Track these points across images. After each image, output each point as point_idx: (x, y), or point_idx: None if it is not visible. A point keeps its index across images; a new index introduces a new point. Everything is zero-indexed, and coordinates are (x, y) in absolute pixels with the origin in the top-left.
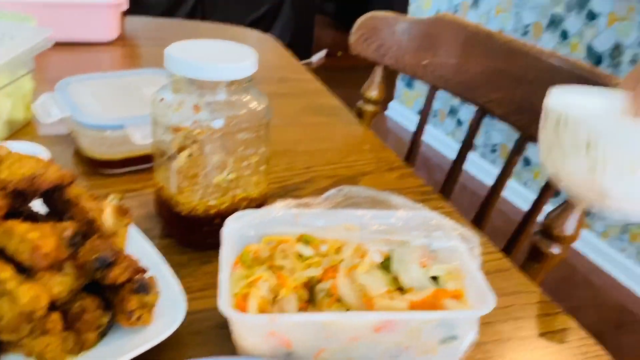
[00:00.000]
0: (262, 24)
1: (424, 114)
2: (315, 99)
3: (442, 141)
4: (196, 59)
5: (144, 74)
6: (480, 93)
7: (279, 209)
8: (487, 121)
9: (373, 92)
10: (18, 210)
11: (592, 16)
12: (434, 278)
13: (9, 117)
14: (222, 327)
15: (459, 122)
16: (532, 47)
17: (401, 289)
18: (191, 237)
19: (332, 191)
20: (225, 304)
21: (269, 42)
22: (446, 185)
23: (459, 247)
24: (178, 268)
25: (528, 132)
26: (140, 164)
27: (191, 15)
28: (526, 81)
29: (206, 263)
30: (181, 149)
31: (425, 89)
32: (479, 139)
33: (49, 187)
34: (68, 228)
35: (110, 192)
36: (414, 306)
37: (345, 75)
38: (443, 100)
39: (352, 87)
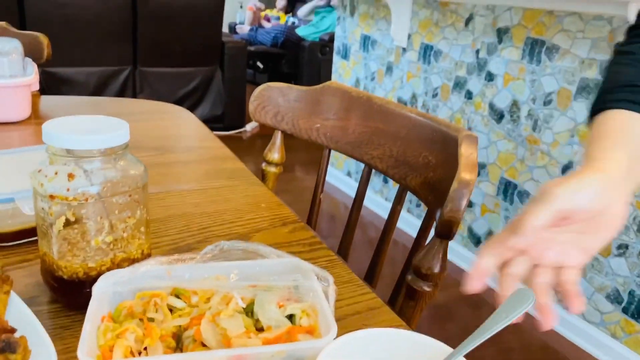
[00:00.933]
0: (193, 97)
1: (322, 178)
2: (220, 164)
3: (371, 199)
4: (71, 132)
5: (34, 150)
6: (364, 151)
7: (150, 264)
8: None
9: (275, 154)
10: None
11: (490, 77)
12: (291, 316)
13: None
14: None
15: (385, 180)
16: (402, 107)
17: (262, 330)
18: (75, 300)
19: (209, 247)
20: (84, 352)
21: (184, 114)
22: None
23: (314, 286)
24: (61, 330)
25: (405, 183)
26: (33, 236)
27: (122, 91)
28: (400, 137)
29: None
30: (59, 215)
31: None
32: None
33: None
34: None
35: (8, 263)
36: (267, 342)
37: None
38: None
39: (287, 150)
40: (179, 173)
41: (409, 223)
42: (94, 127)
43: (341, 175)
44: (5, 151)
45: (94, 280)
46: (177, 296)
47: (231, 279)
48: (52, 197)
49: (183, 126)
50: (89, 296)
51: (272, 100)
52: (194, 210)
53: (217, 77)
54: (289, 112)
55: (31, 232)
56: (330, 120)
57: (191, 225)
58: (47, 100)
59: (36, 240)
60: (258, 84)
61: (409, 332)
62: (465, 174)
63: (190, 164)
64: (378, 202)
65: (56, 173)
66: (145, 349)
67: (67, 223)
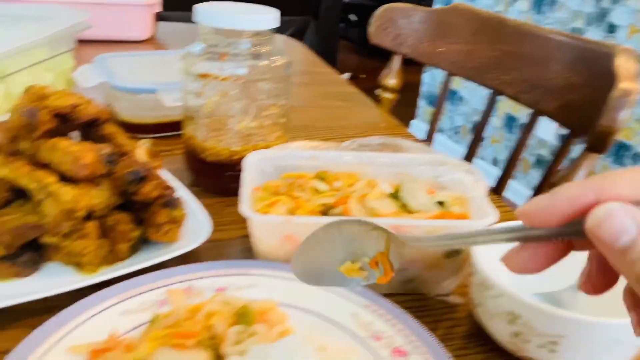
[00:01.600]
0: None
1: (441, 99)
2: (334, 88)
3: (452, 149)
4: (224, 10)
5: (176, 53)
6: (492, 76)
7: (296, 147)
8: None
9: (391, 80)
10: (62, 136)
11: (612, 29)
12: (440, 203)
13: None
14: (247, 251)
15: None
16: (541, 28)
17: (409, 213)
18: (216, 183)
19: (346, 143)
20: (246, 206)
21: (296, 44)
22: None
23: (464, 179)
24: (205, 207)
25: (537, 108)
26: (171, 131)
27: None
28: (535, 60)
29: (230, 205)
30: (208, 97)
31: (449, 107)
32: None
33: (88, 120)
34: (106, 147)
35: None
36: None
37: (368, 95)
38: (465, 115)
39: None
40: (296, 92)
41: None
42: (244, 9)
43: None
44: (145, 53)
45: (235, 164)
46: (321, 179)
47: (382, 165)
48: (203, 75)
49: (292, 53)
50: (229, 180)
51: (394, 22)
52: (315, 124)
53: (310, 28)
54: (410, 35)
55: (170, 126)
56: (456, 44)
57: (314, 137)
58: (163, 26)
59: (174, 135)
60: (349, 38)
61: None
62: (624, 83)
63: (305, 85)
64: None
65: (209, 53)
66: None
67: (215, 105)
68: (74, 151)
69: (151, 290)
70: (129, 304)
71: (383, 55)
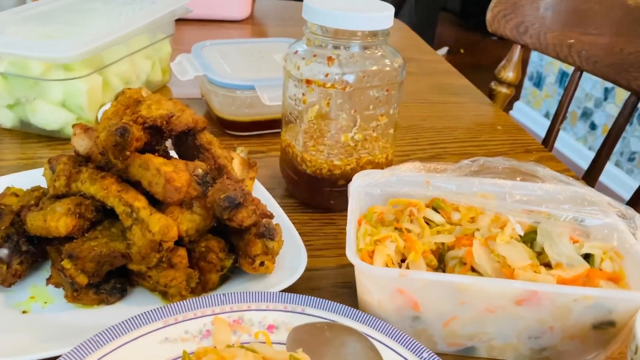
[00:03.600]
0: None
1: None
2: (443, 79)
3: (571, 146)
4: (334, 8)
5: (275, 42)
6: (636, 75)
7: (407, 169)
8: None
9: (509, 72)
10: (154, 147)
11: None
12: (587, 256)
13: (147, 78)
14: (342, 286)
15: (593, 126)
16: None
17: (547, 266)
18: (314, 197)
19: (465, 161)
20: (353, 253)
21: (397, 25)
22: None
23: (618, 225)
24: (299, 226)
25: None
26: (266, 129)
27: None
28: None
29: (327, 224)
30: (311, 104)
31: (556, 89)
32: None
33: (182, 130)
34: (199, 166)
35: (248, 149)
36: (563, 283)
37: (467, 73)
38: (576, 100)
39: (476, 85)
40: None
41: (617, 179)
42: (357, 6)
43: (537, 116)
44: (243, 41)
45: (336, 179)
46: (435, 209)
47: (513, 200)
48: (308, 82)
49: (398, 36)
50: (328, 195)
51: (518, 8)
52: (421, 123)
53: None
54: (535, 23)
55: (266, 124)
56: (591, 35)
57: (420, 139)
58: (261, 2)
59: (270, 134)
60: (448, 9)
61: None
62: None
63: (411, 75)
64: (578, 150)
65: (314, 55)
66: (403, 261)
67: (319, 113)
68: (165, 172)
69: (199, 317)
70: (172, 330)
71: (485, 30)
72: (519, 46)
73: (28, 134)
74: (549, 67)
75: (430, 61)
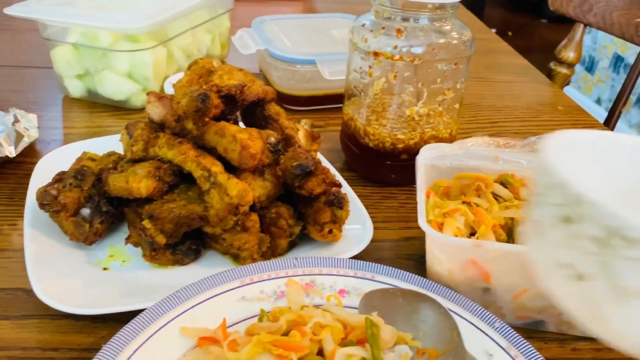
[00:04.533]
0: None
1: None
2: (501, 58)
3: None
4: None
5: (334, 17)
6: None
7: (476, 144)
8: None
9: (570, 53)
10: (226, 117)
11: None
12: None
13: (207, 52)
14: (406, 258)
15: None
16: None
17: None
18: (375, 171)
19: (532, 138)
20: (424, 222)
21: None
22: None
23: None
24: (360, 199)
25: None
26: (324, 104)
27: None
28: None
29: (388, 198)
30: (378, 77)
31: (610, 74)
32: None
33: (253, 100)
34: (272, 135)
35: (310, 122)
36: None
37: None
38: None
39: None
40: None
41: None
42: None
43: (588, 102)
44: (299, 15)
45: (398, 153)
46: (504, 184)
47: None
48: (376, 54)
49: None
50: (389, 169)
51: None
52: (479, 101)
53: None
54: (601, 1)
55: (323, 99)
56: None
57: (479, 117)
58: None
59: (327, 109)
60: None
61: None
62: None
63: None
64: None
65: (383, 28)
66: (472, 234)
67: (385, 86)
68: (242, 139)
69: (273, 279)
70: (249, 290)
71: (533, 11)
72: (582, 25)
73: (95, 104)
74: (602, 50)
75: (487, 40)
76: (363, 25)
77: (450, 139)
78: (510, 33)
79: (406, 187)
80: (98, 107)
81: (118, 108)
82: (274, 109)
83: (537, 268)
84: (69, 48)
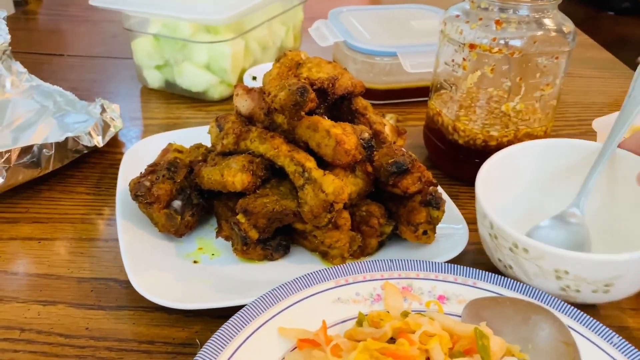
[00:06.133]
0: None
1: None
2: (584, 52)
3: None
4: None
5: (412, 9)
6: None
7: None
8: None
9: None
10: (314, 110)
11: None
12: None
13: (281, 44)
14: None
15: None
16: None
17: None
18: (462, 169)
19: None
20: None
21: None
22: None
23: None
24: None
25: None
26: (403, 97)
27: None
28: None
29: None
30: (472, 70)
31: None
32: None
33: (343, 93)
34: (365, 130)
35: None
36: None
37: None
38: None
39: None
40: None
41: None
42: None
43: None
44: (376, 7)
45: (489, 151)
46: None
47: None
48: (472, 46)
49: None
50: (477, 167)
51: None
52: (565, 98)
53: None
54: None
55: (402, 93)
56: None
57: (566, 114)
58: None
59: (405, 103)
60: None
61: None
62: None
63: None
64: None
65: (480, 19)
66: None
67: (479, 80)
68: (336, 134)
69: (368, 281)
70: (344, 291)
71: (598, 4)
72: None
73: (172, 95)
74: None
75: None
76: (457, 16)
77: (545, 137)
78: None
79: None
80: (176, 98)
81: (195, 100)
82: (361, 103)
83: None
84: (149, 39)
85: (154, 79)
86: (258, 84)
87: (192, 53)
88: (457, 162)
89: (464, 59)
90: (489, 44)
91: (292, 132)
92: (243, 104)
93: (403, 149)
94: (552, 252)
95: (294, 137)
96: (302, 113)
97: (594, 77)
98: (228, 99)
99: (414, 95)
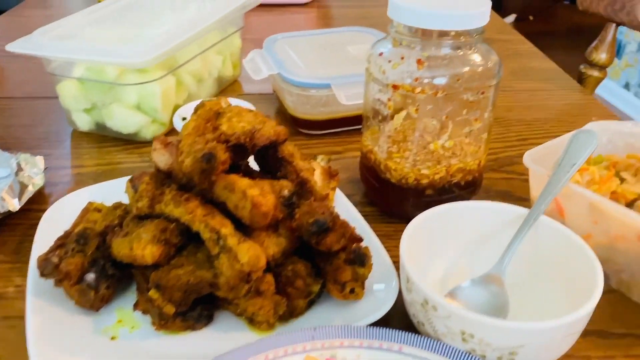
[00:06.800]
0: None
1: None
2: (527, 62)
3: None
4: (423, 6)
5: (348, 32)
6: None
7: None
8: None
9: (602, 54)
10: (237, 164)
11: None
12: None
13: (219, 74)
14: None
15: None
16: None
17: None
18: (398, 207)
19: None
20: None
21: None
22: None
23: None
24: (382, 240)
25: None
26: (342, 126)
27: None
28: None
29: None
30: (398, 110)
31: (638, 58)
32: None
33: (265, 144)
34: (285, 187)
35: (314, 153)
36: None
37: (538, 41)
38: None
39: (548, 54)
40: None
41: None
42: (448, 2)
43: (615, 87)
44: (312, 32)
45: (423, 189)
46: None
47: None
48: (395, 86)
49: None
50: (414, 206)
51: None
52: (507, 115)
53: None
54: None
55: (341, 122)
56: None
57: (508, 134)
58: None
59: (347, 131)
60: None
61: (485, 202)
62: None
63: None
64: None
65: (402, 58)
66: None
67: (406, 119)
68: (252, 197)
69: (290, 355)
70: None
71: None
72: (613, 25)
73: (104, 137)
74: (630, 34)
75: (511, 41)
76: (380, 54)
77: (479, 170)
78: (531, 17)
79: None
80: (108, 140)
81: (128, 141)
82: (287, 150)
83: None
84: (74, 82)
85: (84, 122)
86: None
87: (121, 94)
88: (394, 200)
89: (388, 99)
90: (412, 84)
91: (210, 190)
92: (161, 159)
93: (325, 203)
94: (457, 313)
95: (212, 197)
96: (213, 178)
97: (537, 90)
98: None
99: (353, 124)
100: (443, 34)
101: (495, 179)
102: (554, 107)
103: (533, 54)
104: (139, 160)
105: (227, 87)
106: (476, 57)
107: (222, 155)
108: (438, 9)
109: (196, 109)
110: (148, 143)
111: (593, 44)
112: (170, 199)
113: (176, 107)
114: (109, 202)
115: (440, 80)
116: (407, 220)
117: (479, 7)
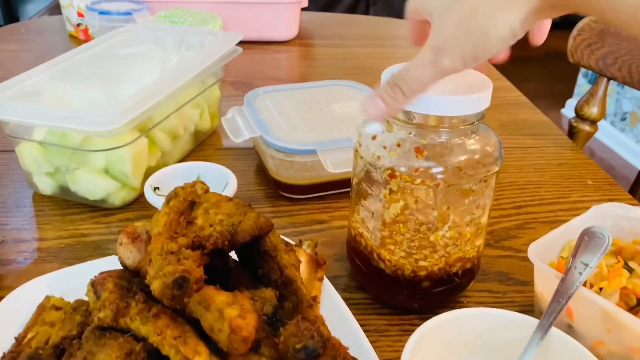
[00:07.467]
0: None
1: None
2: (516, 113)
3: (630, 149)
4: None
5: (333, 86)
6: None
7: None
8: None
9: (593, 108)
10: (215, 266)
11: None
12: None
13: (195, 129)
14: None
15: None
16: None
17: None
18: (392, 298)
19: None
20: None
21: None
22: None
23: None
24: (375, 337)
25: None
26: (327, 190)
27: (353, 7)
28: None
29: (409, 332)
30: (393, 199)
31: (615, 87)
32: None
33: (247, 239)
34: (268, 302)
35: (297, 221)
36: None
37: (514, 69)
38: (635, 100)
39: (525, 83)
40: None
41: None
42: (447, 86)
43: (627, 140)
44: (294, 85)
45: (420, 280)
46: None
47: None
48: (392, 175)
49: None
50: (409, 297)
51: (605, 37)
52: (500, 177)
53: None
54: (626, 54)
55: (325, 186)
56: None
57: (501, 201)
58: (306, 17)
59: (332, 195)
60: None
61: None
62: None
63: None
64: (636, 151)
65: (399, 145)
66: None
67: (402, 210)
68: (230, 319)
69: None
70: None
71: None
72: (605, 79)
73: (68, 203)
74: None
75: (498, 89)
76: (374, 138)
77: (477, 256)
78: None
79: (432, 313)
80: (72, 206)
81: (95, 208)
82: (270, 242)
83: None
84: (36, 145)
85: (46, 186)
86: (162, 198)
87: (87, 159)
88: (387, 290)
89: (383, 187)
90: (411, 174)
91: (182, 307)
92: (128, 255)
93: (316, 316)
94: None
95: (185, 311)
96: (186, 300)
97: (529, 147)
98: (132, 204)
99: (340, 187)
100: (442, 119)
101: (493, 258)
102: (546, 168)
103: (522, 104)
104: (106, 231)
105: (205, 140)
106: (477, 143)
107: (197, 273)
108: (438, 94)
109: (168, 199)
110: (117, 210)
111: (583, 98)
112: (136, 314)
113: (148, 169)
114: (70, 293)
115: (442, 170)
116: (401, 309)
117: (481, 90)
